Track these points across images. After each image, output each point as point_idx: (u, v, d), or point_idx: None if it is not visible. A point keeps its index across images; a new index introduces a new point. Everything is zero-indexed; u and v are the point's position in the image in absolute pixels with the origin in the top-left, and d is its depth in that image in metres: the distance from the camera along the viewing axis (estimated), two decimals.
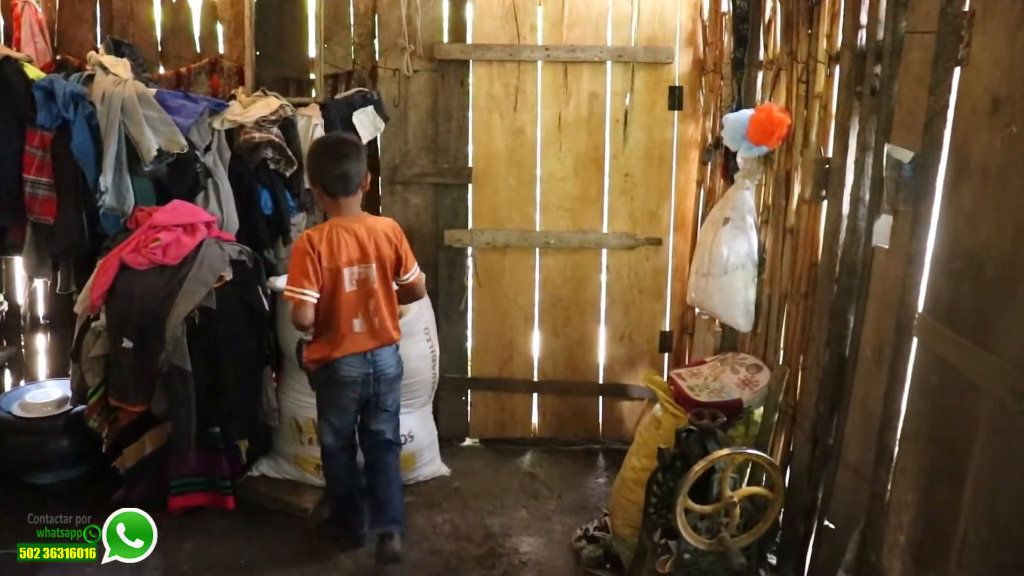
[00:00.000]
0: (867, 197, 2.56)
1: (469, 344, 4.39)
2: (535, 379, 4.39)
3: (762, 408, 3.13)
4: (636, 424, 4.32)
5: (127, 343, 3.39)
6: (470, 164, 4.20)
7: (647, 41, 4.05)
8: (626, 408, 4.37)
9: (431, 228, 4.24)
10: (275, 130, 3.79)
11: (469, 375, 4.41)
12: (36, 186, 3.62)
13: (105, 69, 3.74)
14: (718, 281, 3.41)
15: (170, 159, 3.63)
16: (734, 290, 3.39)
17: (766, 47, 3.44)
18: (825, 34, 2.86)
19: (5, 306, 3.93)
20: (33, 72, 3.67)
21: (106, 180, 3.56)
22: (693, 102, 4.10)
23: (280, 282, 3.82)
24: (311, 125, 3.91)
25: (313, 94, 4.08)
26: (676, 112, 4.11)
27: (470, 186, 4.23)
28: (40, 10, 4.00)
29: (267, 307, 3.76)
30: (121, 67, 3.78)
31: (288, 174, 3.85)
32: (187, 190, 3.74)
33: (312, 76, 4.12)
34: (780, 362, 3.17)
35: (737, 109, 3.53)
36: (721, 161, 3.76)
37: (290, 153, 3.80)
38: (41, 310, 4.39)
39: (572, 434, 4.42)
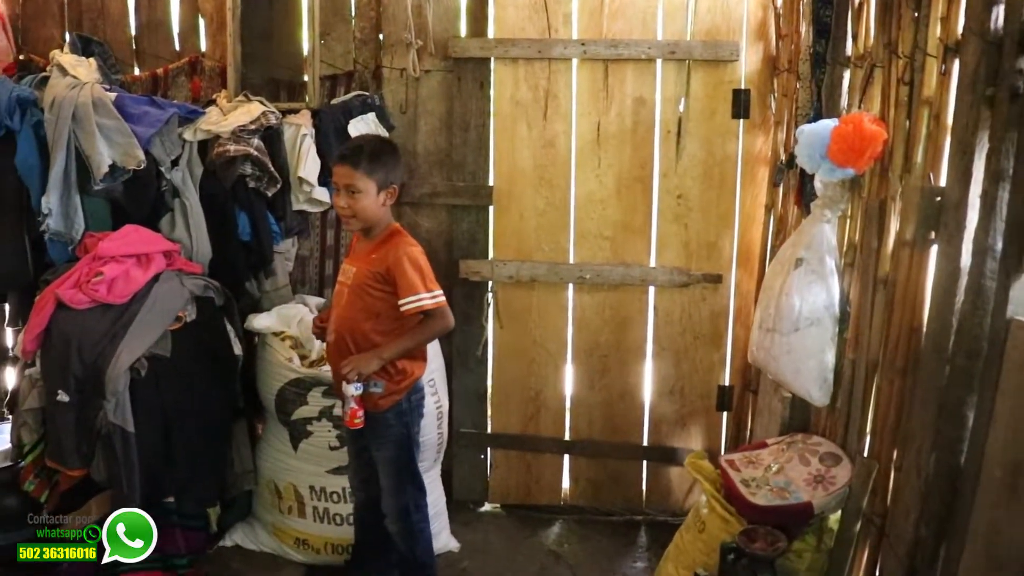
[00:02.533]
0: (999, 246, 1.80)
1: (489, 395, 3.72)
2: (566, 437, 3.69)
3: (839, 513, 2.38)
4: (687, 494, 3.61)
5: (63, 396, 2.84)
6: (491, 183, 3.53)
7: (706, 34, 3.32)
8: (675, 475, 3.64)
9: (444, 257, 3.58)
10: (256, 141, 3.18)
11: (489, 431, 3.74)
12: None
13: (64, 71, 3.21)
14: (786, 339, 2.66)
15: (126, 176, 3.06)
16: (806, 352, 2.64)
17: (855, 38, 2.68)
18: (939, 17, 2.09)
19: None
20: None
21: (50, 200, 3.01)
22: (763, 109, 3.36)
23: (261, 321, 3.24)
24: (299, 135, 3.30)
25: (307, 99, 3.46)
26: (741, 121, 3.37)
27: (491, 209, 3.56)
28: (1, 4, 3.49)
29: (240, 351, 3.16)
30: (83, 68, 3.24)
31: (270, 194, 3.24)
32: (149, 213, 3.17)
33: (306, 78, 3.50)
34: (865, 453, 2.40)
35: (816, 118, 2.78)
36: (795, 184, 3.01)
37: (272, 169, 3.19)
38: (9, 340, 3.88)
39: (609, 503, 3.70)
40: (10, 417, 3.11)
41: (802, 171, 2.82)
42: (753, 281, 3.45)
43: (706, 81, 3.35)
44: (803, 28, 3.02)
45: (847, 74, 2.75)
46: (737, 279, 3.48)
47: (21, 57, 3.52)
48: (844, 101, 2.76)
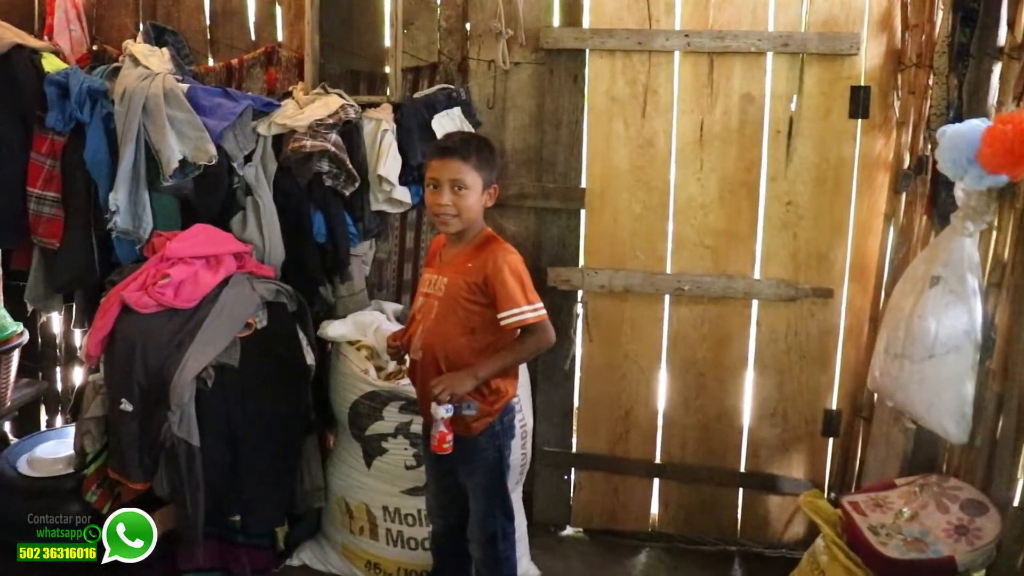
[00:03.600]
0: None
1: (575, 412, 3.47)
2: (657, 460, 3.41)
3: (983, 572, 2.08)
4: (786, 525, 3.32)
5: (126, 405, 2.68)
6: (583, 184, 3.28)
7: (823, 25, 3.01)
8: (774, 505, 3.34)
9: (532, 264, 3.28)
10: (333, 137, 2.99)
11: (574, 450, 3.48)
12: (41, 202, 2.96)
13: (136, 61, 3.05)
14: (918, 367, 2.36)
15: (196, 171, 2.89)
16: (942, 382, 2.33)
17: (1011, 26, 2.35)
18: None
19: (26, 337, 3.30)
20: (52, 64, 3.02)
21: (117, 197, 2.86)
22: (884, 108, 3.04)
23: (335, 328, 3.04)
24: (379, 131, 3.09)
25: (388, 92, 3.25)
26: (860, 121, 3.06)
27: (582, 212, 3.30)
28: None
29: (312, 360, 2.97)
30: (156, 59, 3.08)
31: (348, 193, 3.04)
32: (219, 211, 3.00)
33: (388, 70, 3.28)
34: (1017, 503, 2.09)
35: (956, 118, 2.47)
36: (925, 191, 2.70)
37: (350, 167, 2.99)
38: (78, 340, 3.76)
39: (701, 531, 3.42)
40: (75, 423, 2.96)
41: (934, 177, 2.53)
42: (868, 297, 3.13)
43: (821, 77, 3.04)
44: (938, 17, 2.70)
45: (997, 67, 2.43)
46: (849, 295, 3.16)
47: (95, 47, 3.38)
48: (993, 98, 2.44)
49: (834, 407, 3.25)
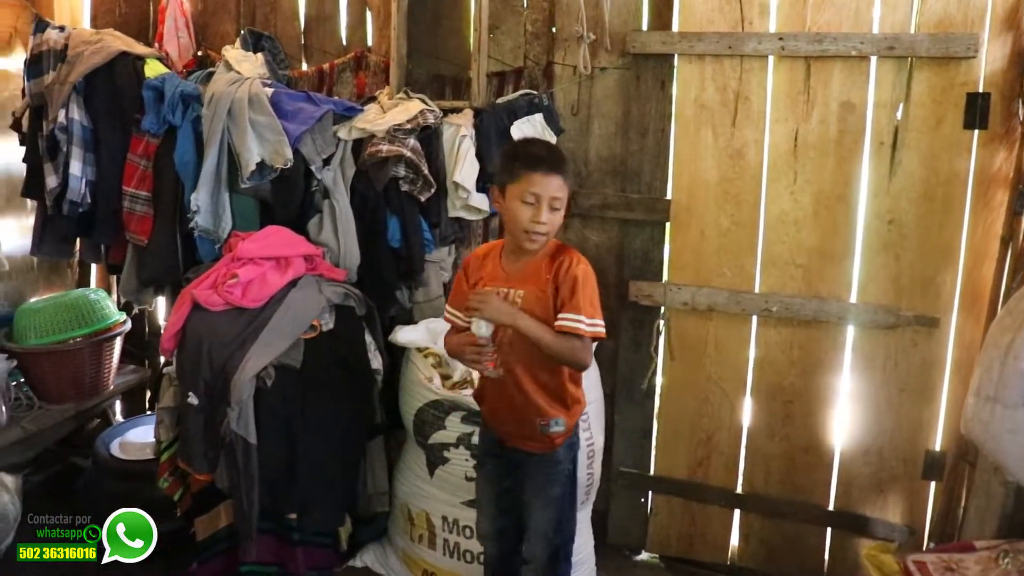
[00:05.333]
0: None
1: (654, 433, 3.31)
2: (739, 490, 3.21)
3: None
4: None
5: (193, 399, 2.76)
6: (668, 196, 3.13)
7: (936, 26, 2.73)
8: (864, 548, 3.05)
9: (614, 277, 3.22)
10: (411, 142, 2.97)
11: (651, 472, 3.33)
12: (135, 200, 3.11)
13: (229, 66, 3.15)
14: (1011, 414, 2.09)
15: (273, 174, 2.94)
16: None
17: None
18: None
19: (128, 326, 3.48)
20: (153, 70, 3.15)
21: (199, 197, 2.95)
22: (1006, 117, 2.72)
23: (406, 334, 3.03)
24: (458, 136, 3.05)
25: (471, 97, 3.20)
26: (976, 132, 2.75)
27: (667, 225, 3.15)
28: (186, 2, 3.50)
29: (379, 365, 2.97)
30: (248, 64, 3.17)
31: (424, 199, 3.02)
32: (297, 213, 3.04)
33: (472, 75, 3.24)
34: None
35: None
36: None
37: (427, 172, 2.97)
38: None
39: (783, 569, 3.19)
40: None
41: None
42: (980, 329, 2.81)
43: (932, 83, 2.76)
44: None
45: None
46: (959, 325, 2.86)
47: (199, 53, 3.52)
48: None
49: (937, 448, 2.95)
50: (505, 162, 2.27)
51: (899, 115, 2.81)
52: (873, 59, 2.80)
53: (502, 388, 2.30)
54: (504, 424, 2.38)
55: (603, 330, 2.23)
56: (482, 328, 2.16)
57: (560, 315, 2.20)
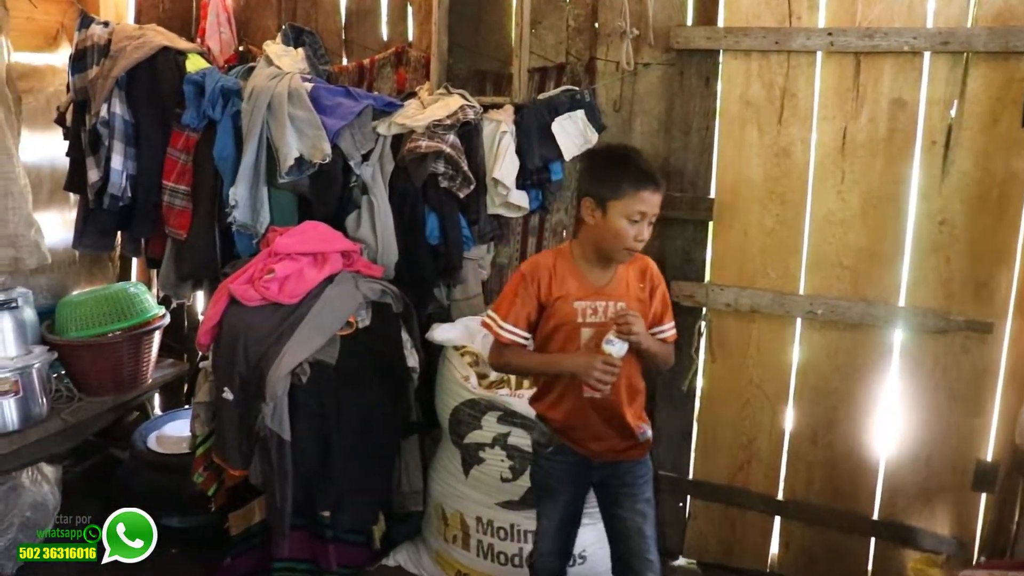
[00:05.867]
0: None
1: (694, 436, 3.25)
2: (779, 496, 3.14)
3: None
4: None
5: (228, 394, 2.75)
6: (712, 194, 3.07)
7: (995, 19, 2.64)
8: (910, 560, 2.96)
9: None
10: (451, 138, 2.94)
11: (691, 476, 3.27)
12: (174, 195, 3.10)
13: (269, 61, 3.15)
14: None
15: (312, 169, 2.92)
16: None
17: None
18: None
19: (167, 320, 3.49)
20: (195, 65, 3.15)
21: (237, 192, 2.94)
22: None
23: (443, 332, 3.00)
24: (498, 132, 3.01)
25: (512, 93, 3.16)
26: None
27: (710, 224, 3.09)
28: None
29: (415, 363, 2.94)
30: (288, 59, 3.16)
31: (463, 195, 2.98)
32: (335, 209, 3.02)
33: (513, 70, 3.19)
34: None
35: None
36: None
37: (466, 169, 2.93)
38: None
39: None
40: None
41: None
42: None
43: (989, 79, 2.67)
44: None
45: None
46: (1014, 331, 2.76)
47: (241, 48, 3.52)
48: None
49: (989, 458, 2.85)
50: (606, 176, 2.19)
51: (953, 113, 2.72)
52: (926, 55, 2.71)
53: (599, 407, 2.25)
54: (601, 441, 2.30)
55: None
56: (623, 349, 2.13)
57: (664, 326, 2.32)
